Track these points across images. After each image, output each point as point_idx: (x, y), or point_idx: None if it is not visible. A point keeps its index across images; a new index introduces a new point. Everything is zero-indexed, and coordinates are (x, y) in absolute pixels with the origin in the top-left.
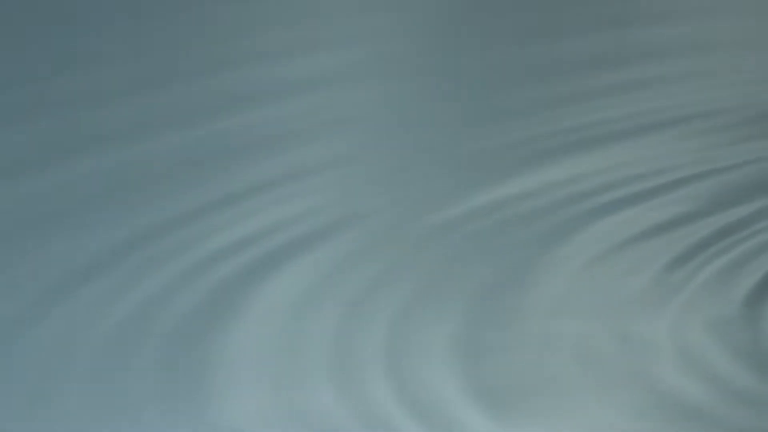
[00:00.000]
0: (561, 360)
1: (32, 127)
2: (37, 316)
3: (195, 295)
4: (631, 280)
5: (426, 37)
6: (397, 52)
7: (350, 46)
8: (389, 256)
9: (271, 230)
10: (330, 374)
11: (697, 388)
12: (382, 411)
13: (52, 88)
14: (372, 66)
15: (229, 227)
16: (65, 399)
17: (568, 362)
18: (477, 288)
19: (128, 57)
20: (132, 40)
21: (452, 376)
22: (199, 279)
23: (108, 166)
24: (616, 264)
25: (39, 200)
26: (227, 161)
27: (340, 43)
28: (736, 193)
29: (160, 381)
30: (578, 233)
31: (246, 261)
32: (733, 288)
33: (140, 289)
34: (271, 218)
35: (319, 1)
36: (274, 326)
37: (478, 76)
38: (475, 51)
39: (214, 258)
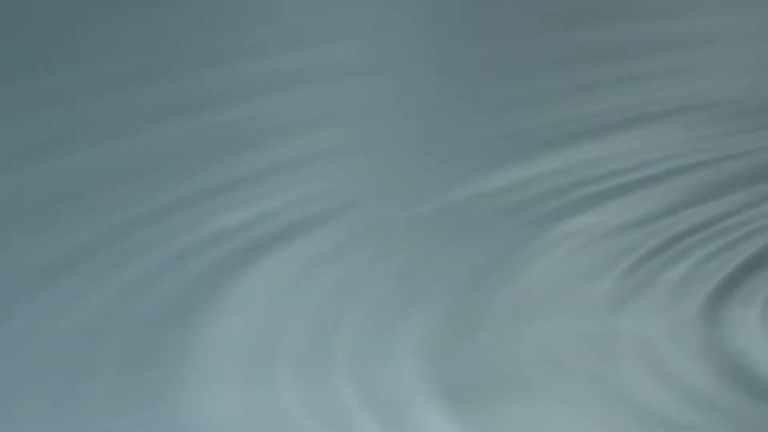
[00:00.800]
0: (526, 362)
1: (29, 120)
2: (13, 308)
3: (176, 287)
4: (599, 280)
5: (424, 30)
6: (395, 45)
7: (347, 38)
8: (360, 254)
9: (255, 221)
10: (297, 373)
11: (660, 393)
12: (347, 411)
13: (48, 82)
14: (369, 58)
15: (217, 219)
16: (35, 395)
17: (533, 364)
18: (451, 286)
19: (125, 51)
20: (129, 34)
21: (419, 377)
22: (182, 269)
23: (98, 159)
24: (587, 262)
25: (28, 192)
26: (222, 153)
27: (337, 36)
28: (719, 187)
29: (132, 377)
30: (557, 228)
31: (232, 251)
32: (699, 288)
33: (120, 281)
34: (257, 210)
35: None
36: (249, 322)
37: (475, 68)
38: (472, 44)
39: (199, 249)
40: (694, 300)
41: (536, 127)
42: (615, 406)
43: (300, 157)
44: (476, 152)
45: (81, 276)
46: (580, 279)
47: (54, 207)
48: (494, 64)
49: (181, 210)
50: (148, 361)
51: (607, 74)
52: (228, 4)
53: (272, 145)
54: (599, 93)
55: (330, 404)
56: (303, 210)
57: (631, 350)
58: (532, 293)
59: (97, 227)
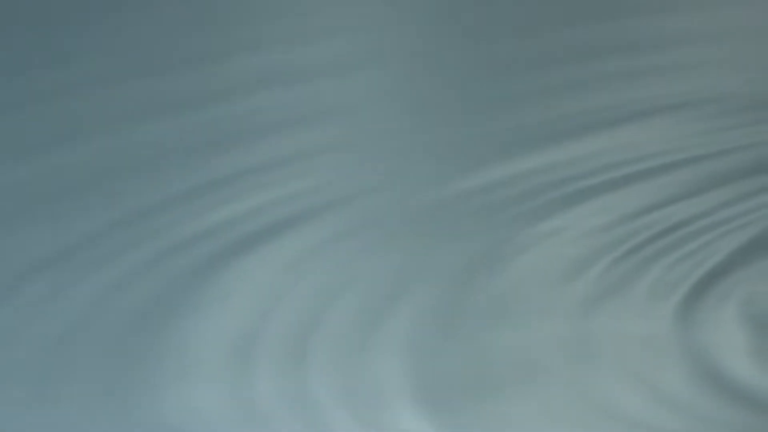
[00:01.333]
0: (505, 363)
1: (22, 117)
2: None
3: (167, 281)
4: (580, 279)
5: (423, 27)
6: (391, 42)
7: (344, 36)
8: (348, 250)
9: (248, 216)
10: (276, 370)
11: (635, 395)
12: (326, 407)
13: (44, 79)
14: (366, 55)
15: (210, 214)
16: (20, 386)
17: (512, 365)
18: (435, 283)
19: (122, 48)
20: (128, 31)
21: (397, 376)
22: (177, 263)
23: (92, 155)
24: (572, 259)
25: (22, 188)
26: (216, 149)
27: (333, 33)
28: (712, 181)
29: (118, 370)
30: (545, 224)
31: (224, 245)
32: (674, 289)
33: (112, 275)
34: (249, 203)
35: None
36: (238, 315)
37: (472, 65)
38: (469, 41)
39: (188, 244)
40: (673, 299)
41: (533, 124)
42: (590, 408)
43: (295, 153)
44: (472, 148)
45: (68, 271)
46: (562, 277)
47: (48, 203)
48: (492, 60)
49: (176, 205)
50: (134, 355)
51: (605, 71)
52: (225, 1)
53: (266, 141)
54: (597, 89)
55: (309, 400)
56: (295, 205)
57: (608, 351)
58: (515, 292)
59: (89, 223)
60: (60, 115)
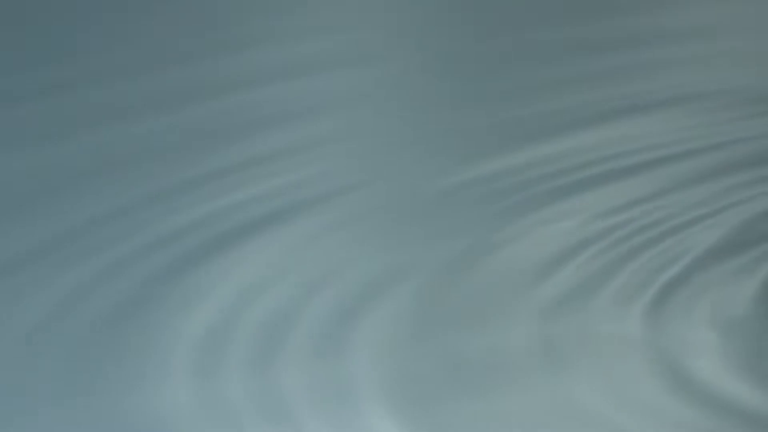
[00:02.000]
0: (477, 364)
1: (18, 112)
2: None
3: (143, 277)
4: (547, 281)
5: (419, 22)
6: (391, 37)
7: (345, 31)
8: (337, 244)
9: (233, 210)
10: (250, 368)
11: (602, 398)
12: (295, 405)
13: (44, 75)
14: (365, 50)
15: (198, 206)
16: None
17: (480, 369)
18: (414, 280)
19: (120, 43)
20: (125, 28)
21: (369, 375)
22: (156, 257)
23: (85, 149)
24: (537, 262)
25: (13, 183)
26: (210, 142)
27: (334, 29)
28: (686, 180)
29: (91, 367)
30: (526, 219)
31: (211, 238)
32: (646, 290)
33: (96, 265)
34: (237, 198)
35: None
36: (215, 310)
37: (470, 59)
38: (468, 35)
39: (178, 235)
40: (643, 300)
41: (526, 119)
42: (560, 409)
43: (288, 147)
44: (460, 144)
45: (50, 266)
46: (534, 277)
47: (37, 198)
48: (489, 55)
49: (163, 200)
50: (113, 351)
51: (600, 66)
52: None
53: (260, 135)
54: (592, 84)
55: (281, 399)
56: (282, 199)
57: (578, 352)
58: (487, 292)
59: (74, 218)
60: (56, 111)
